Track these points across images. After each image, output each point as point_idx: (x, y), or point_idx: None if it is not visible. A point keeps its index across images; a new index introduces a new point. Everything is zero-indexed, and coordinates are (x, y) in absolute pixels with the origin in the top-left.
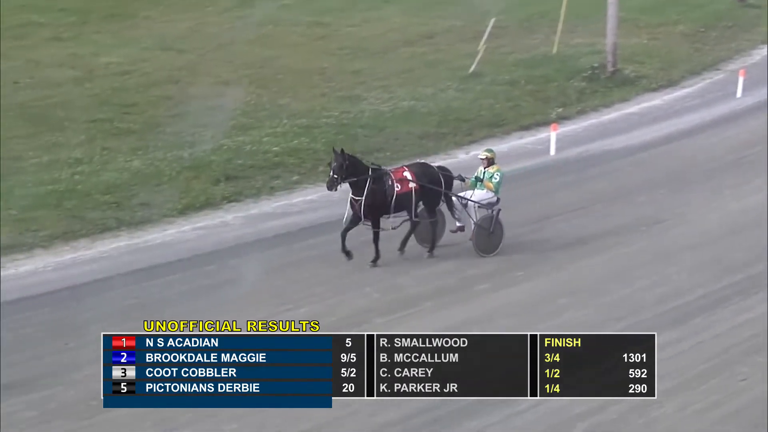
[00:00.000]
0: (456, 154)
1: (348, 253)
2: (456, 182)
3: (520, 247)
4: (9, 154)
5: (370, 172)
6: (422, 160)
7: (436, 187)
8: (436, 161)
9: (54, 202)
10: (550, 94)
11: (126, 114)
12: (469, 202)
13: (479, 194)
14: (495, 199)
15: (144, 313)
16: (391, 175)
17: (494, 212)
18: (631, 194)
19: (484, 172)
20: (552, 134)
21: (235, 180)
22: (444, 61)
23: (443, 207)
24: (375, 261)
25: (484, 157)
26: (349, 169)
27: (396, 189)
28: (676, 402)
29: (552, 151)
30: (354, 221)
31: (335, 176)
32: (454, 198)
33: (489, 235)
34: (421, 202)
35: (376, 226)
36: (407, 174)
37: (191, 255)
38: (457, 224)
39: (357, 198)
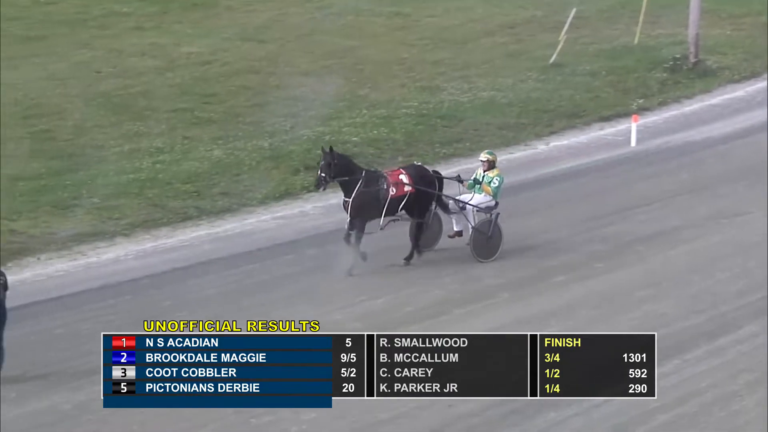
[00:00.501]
0: (536, 145)
1: (362, 255)
2: (453, 185)
3: (599, 238)
4: (92, 143)
5: (363, 174)
6: (418, 163)
7: (431, 189)
8: (516, 152)
9: (135, 190)
10: (630, 85)
11: (207, 104)
12: (467, 205)
13: (477, 198)
14: (493, 203)
15: (223, 302)
16: (387, 177)
17: (493, 216)
18: (711, 186)
19: (483, 175)
20: (633, 125)
21: (314, 170)
22: (524, 52)
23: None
24: (350, 270)
25: (485, 159)
26: (338, 168)
27: (391, 192)
28: (757, 396)
29: (633, 143)
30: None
31: (322, 174)
32: (450, 201)
33: (487, 240)
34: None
35: (360, 230)
36: (403, 177)
37: (271, 244)
38: (455, 229)
39: (346, 199)
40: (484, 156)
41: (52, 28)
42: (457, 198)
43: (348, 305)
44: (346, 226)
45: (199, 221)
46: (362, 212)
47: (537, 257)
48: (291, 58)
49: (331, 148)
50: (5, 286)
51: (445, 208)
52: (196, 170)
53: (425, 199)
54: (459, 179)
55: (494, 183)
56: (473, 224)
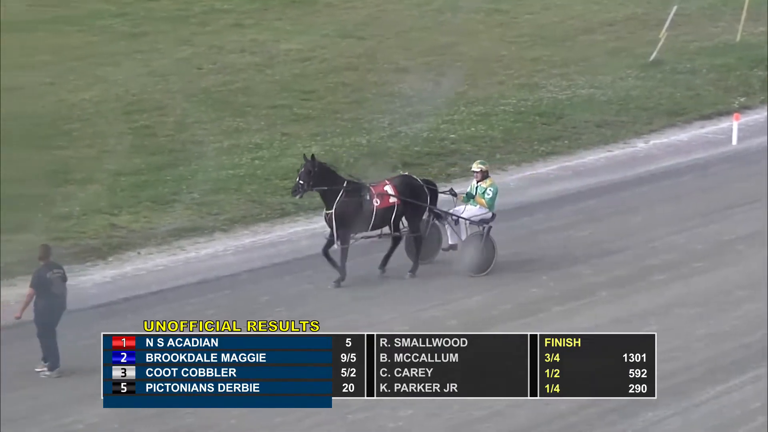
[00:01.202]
0: (635, 143)
1: (342, 273)
2: (448, 198)
3: (699, 237)
4: (192, 139)
5: (345, 185)
6: (406, 173)
7: (419, 201)
8: (615, 150)
9: (234, 186)
10: (732, 83)
11: (305, 100)
12: (460, 219)
13: (471, 210)
14: (490, 215)
15: (321, 297)
16: (371, 189)
17: (484, 230)
18: None
19: (477, 187)
20: (734, 124)
21: (412, 167)
22: (624, 49)
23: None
24: (339, 281)
25: (477, 170)
26: (318, 177)
27: (375, 204)
28: None
29: (734, 141)
30: (332, 238)
31: (301, 182)
32: (444, 214)
33: (479, 254)
34: (404, 217)
35: (343, 242)
36: (388, 188)
37: (368, 241)
38: (450, 242)
39: (327, 211)
40: (476, 166)
41: (155, 24)
42: (448, 211)
43: (445, 303)
44: (326, 238)
45: (297, 217)
46: (346, 224)
47: (637, 255)
48: (389, 55)
49: (312, 156)
50: (64, 278)
51: (439, 218)
52: (295, 166)
53: (415, 210)
54: (453, 193)
55: (488, 194)
56: (463, 237)
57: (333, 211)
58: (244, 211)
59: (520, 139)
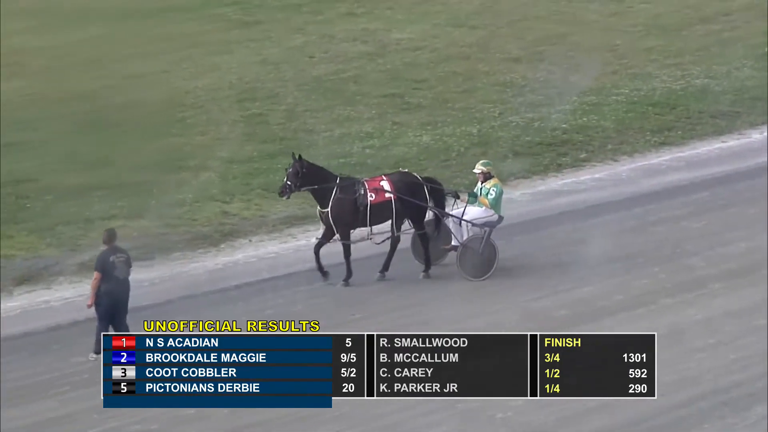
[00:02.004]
0: (750, 134)
1: (324, 273)
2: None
3: None
4: (303, 127)
5: (338, 181)
6: (405, 170)
7: (417, 200)
8: (729, 141)
9: (345, 175)
10: None
11: (416, 89)
12: (462, 221)
13: (475, 212)
14: (495, 217)
15: (432, 286)
16: (365, 184)
17: (485, 232)
18: None
19: (481, 188)
20: None
21: (522, 156)
22: (740, 39)
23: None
24: (346, 280)
25: (478, 171)
26: (307, 177)
27: (370, 198)
28: None
29: None
30: (326, 235)
31: (288, 183)
32: (445, 214)
33: (478, 257)
34: (406, 216)
35: (344, 238)
36: (384, 183)
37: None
38: (453, 242)
39: (323, 210)
40: (478, 168)
41: (268, 13)
42: (450, 212)
43: (555, 292)
44: (315, 239)
45: None
46: (344, 221)
47: (750, 248)
48: (501, 44)
49: (299, 156)
50: (128, 263)
51: (440, 218)
52: (405, 155)
53: (415, 208)
54: (455, 195)
55: (491, 194)
56: (461, 240)
57: (329, 209)
58: None
59: (633, 129)
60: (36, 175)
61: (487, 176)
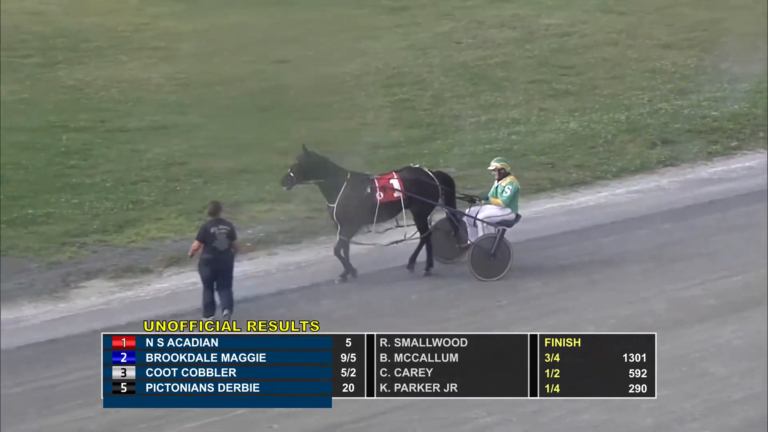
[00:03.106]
0: None
1: (352, 271)
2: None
3: None
4: (449, 113)
5: (348, 177)
6: (417, 165)
7: (427, 198)
8: None
9: (488, 161)
10: None
11: (564, 75)
12: (478, 219)
13: (490, 211)
14: (513, 216)
15: (576, 273)
16: (375, 182)
17: (498, 232)
18: None
19: (496, 186)
20: None
21: (671, 144)
22: None
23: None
24: (344, 276)
25: (493, 167)
26: (311, 170)
27: (378, 197)
28: None
29: None
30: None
31: (291, 174)
32: (457, 213)
33: (490, 258)
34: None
35: (345, 235)
36: (394, 181)
37: (624, 218)
38: (469, 240)
39: (330, 205)
40: (493, 164)
41: None
42: (465, 211)
43: (704, 282)
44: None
45: (553, 193)
46: (348, 219)
47: None
48: (651, 31)
49: (304, 148)
50: (230, 235)
51: (454, 216)
52: (551, 142)
53: (420, 206)
54: (471, 199)
55: (505, 193)
56: (474, 239)
57: (335, 204)
58: None
59: None
60: (185, 158)
61: (502, 173)
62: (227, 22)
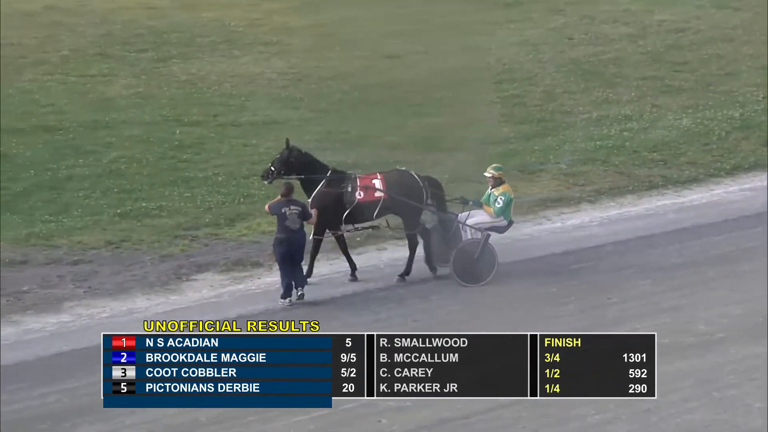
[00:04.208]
0: None
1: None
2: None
3: None
4: (560, 109)
5: (328, 173)
6: (403, 168)
7: (412, 200)
8: None
9: (602, 157)
10: None
11: (677, 72)
12: (471, 221)
13: (480, 217)
14: (504, 223)
15: (687, 272)
16: (357, 180)
17: (483, 237)
18: None
19: (489, 194)
20: None
21: None
22: None
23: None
24: (308, 275)
25: (489, 175)
26: (293, 165)
27: (357, 196)
28: None
29: None
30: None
31: (272, 168)
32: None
33: (473, 263)
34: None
35: (318, 233)
36: (376, 182)
37: (738, 216)
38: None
39: (308, 200)
40: (488, 171)
41: None
42: (457, 216)
43: None
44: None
45: (665, 190)
46: (322, 215)
47: None
48: (766, 27)
49: (287, 142)
50: (301, 215)
51: (444, 221)
52: (664, 139)
53: (408, 209)
54: (464, 201)
55: (498, 203)
56: (460, 242)
57: (311, 200)
58: (610, 182)
59: None
60: None
61: (497, 181)
62: (340, 17)
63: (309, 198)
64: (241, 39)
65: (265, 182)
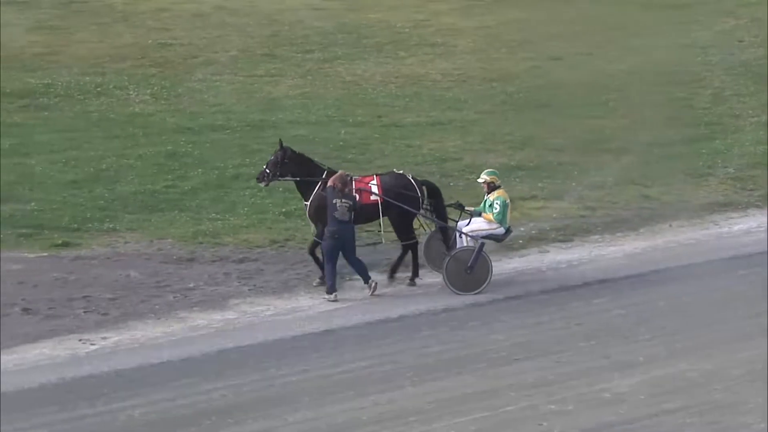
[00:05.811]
0: None
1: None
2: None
3: None
4: (729, 112)
5: (324, 175)
6: (401, 171)
7: (407, 205)
8: None
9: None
10: None
11: None
12: (467, 229)
13: (478, 224)
14: (502, 230)
15: None
16: (353, 183)
17: (478, 245)
18: None
19: (485, 200)
20: None
21: None
22: None
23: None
24: (322, 278)
25: (482, 180)
26: (288, 167)
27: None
28: None
29: None
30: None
31: (267, 170)
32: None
33: (466, 271)
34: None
35: (318, 236)
36: (373, 184)
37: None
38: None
39: (305, 203)
40: (482, 177)
41: None
42: (445, 223)
43: None
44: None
45: None
46: (322, 218)
47: None
48: None
49: (281, 143)
50: (351, 208)
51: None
52: None
53: (400, 213)
54: (460, 206)
55: (495, 208)
56: (452, 250)
57: (308, 203)
58: None
59: None
60: (459, 153)
61: (492, 187)
62: (505, 18)
63: (306, 201)
64: (406, 40)
65: (261, 185)
